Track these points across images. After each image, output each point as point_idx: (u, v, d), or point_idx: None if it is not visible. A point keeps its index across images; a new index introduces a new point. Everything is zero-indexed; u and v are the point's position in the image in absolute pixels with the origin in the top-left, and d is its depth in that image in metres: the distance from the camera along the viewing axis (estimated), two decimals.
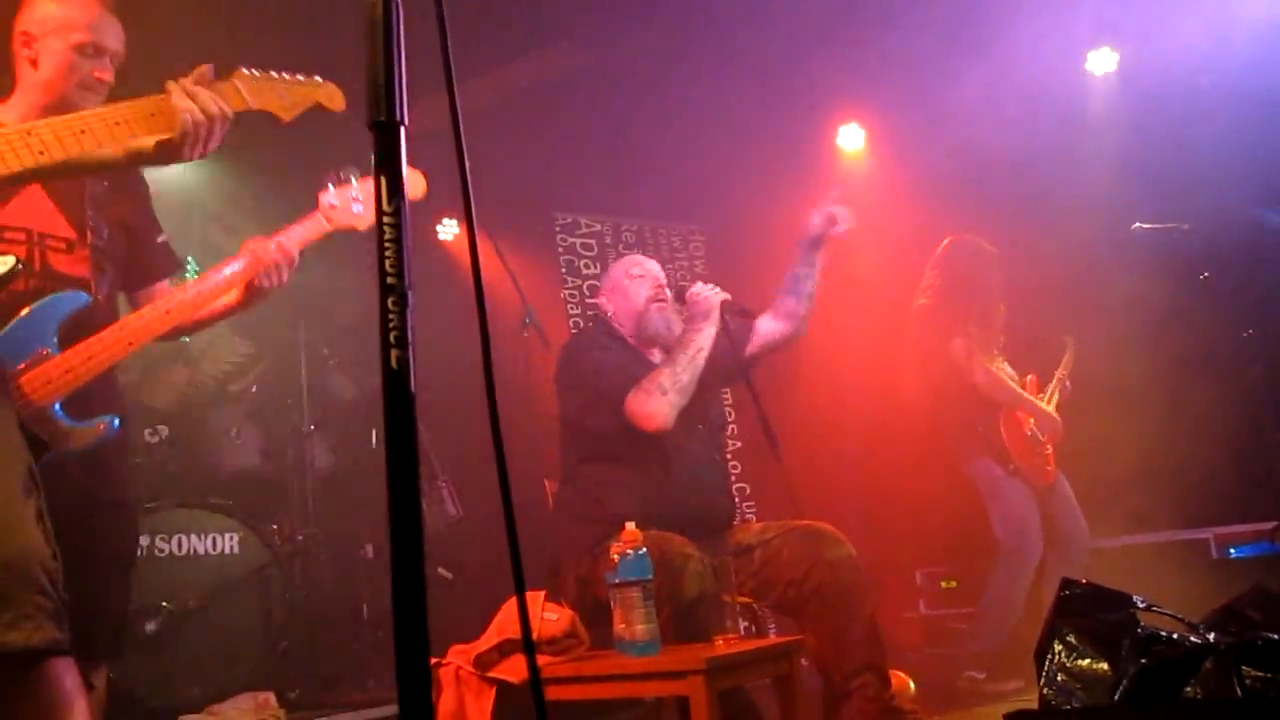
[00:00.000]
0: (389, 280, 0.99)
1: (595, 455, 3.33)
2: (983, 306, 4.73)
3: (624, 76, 5.89)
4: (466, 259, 1.20)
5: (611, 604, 2.63)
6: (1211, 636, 1.94)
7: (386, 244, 1.01)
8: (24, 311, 2.33)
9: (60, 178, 2.34)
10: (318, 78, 2.47)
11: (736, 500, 4.69)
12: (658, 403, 3.17)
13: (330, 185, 2.89)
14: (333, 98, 2.49)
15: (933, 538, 5.25)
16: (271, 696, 3.82)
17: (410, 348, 0.98)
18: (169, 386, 4.85)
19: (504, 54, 5.81)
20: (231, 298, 2.70)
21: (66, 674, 1.59)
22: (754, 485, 5.39)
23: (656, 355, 3.51)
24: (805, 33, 5.29)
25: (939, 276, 4.79)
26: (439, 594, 4.64)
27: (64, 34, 2.51)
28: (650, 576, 2.59)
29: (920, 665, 4.40)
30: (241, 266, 2.65)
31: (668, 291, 3.54)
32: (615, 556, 2.63)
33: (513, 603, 2.82)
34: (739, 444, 5.65)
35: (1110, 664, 1.92)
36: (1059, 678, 1.95)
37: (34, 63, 2.52)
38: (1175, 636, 1.95)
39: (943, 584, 5.16)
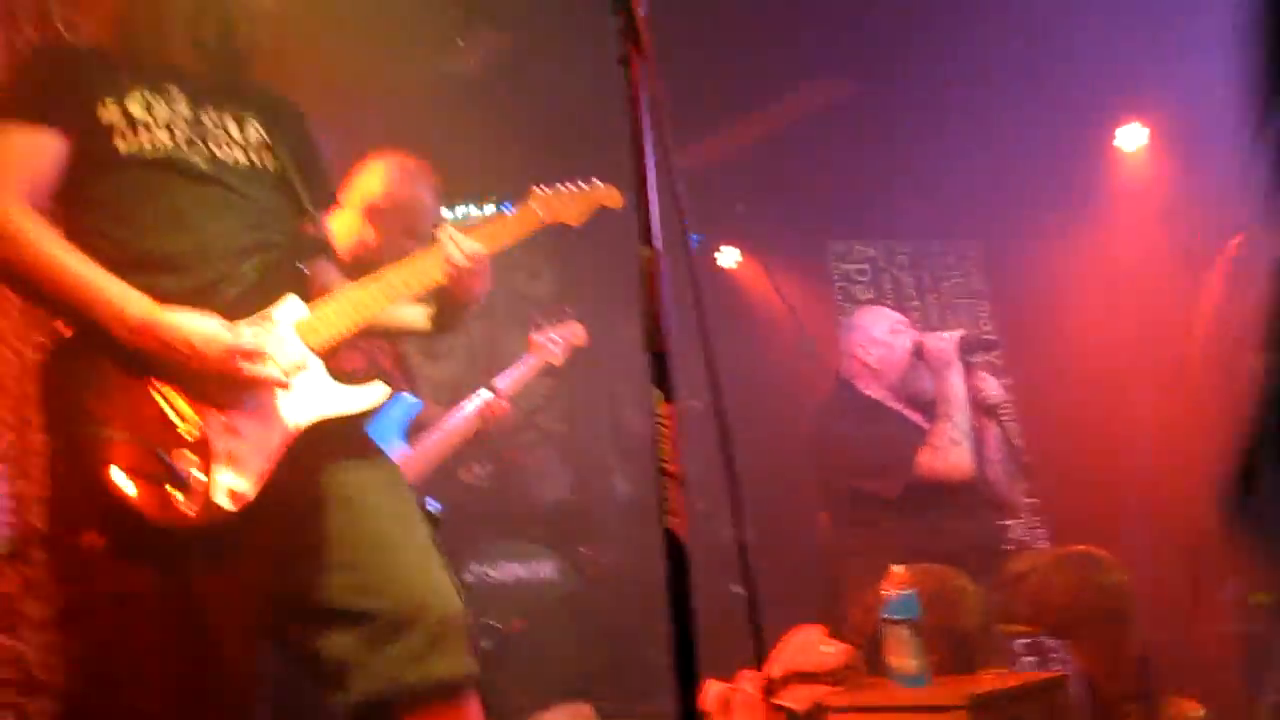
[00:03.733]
0: (663, 465, 1.31)
1: (872, 510, 3.41)
2: None
3: (890, 101, 5.95)
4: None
5: (883, 638, 2.83)
6: None
7: (662, 440, 1.31)
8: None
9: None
10: (596, 181, 2.57)
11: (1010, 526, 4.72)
12: (958, 455, 3.29)
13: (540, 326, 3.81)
14: (613, 198, 2.56)
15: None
16: (589, 708, 4.23)
17: (683, 516, 1.28)
18: None
19: (773, 90, 6.03)
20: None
21: (478, 704, 1.97)
22: (1043, 501, 5.35)
23: (906, 412, 3.59)
24: (1077, 33, 5.20)
25: None
26: (733, 610, 4.93)
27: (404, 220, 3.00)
28: (916, 616, 2.77)
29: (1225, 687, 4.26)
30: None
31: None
32: (884, 595, 2.83)
33: (794, 634, 3.08)
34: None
35: None
36: None
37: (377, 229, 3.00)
38: None
39: (1249, 599, 4.92)
